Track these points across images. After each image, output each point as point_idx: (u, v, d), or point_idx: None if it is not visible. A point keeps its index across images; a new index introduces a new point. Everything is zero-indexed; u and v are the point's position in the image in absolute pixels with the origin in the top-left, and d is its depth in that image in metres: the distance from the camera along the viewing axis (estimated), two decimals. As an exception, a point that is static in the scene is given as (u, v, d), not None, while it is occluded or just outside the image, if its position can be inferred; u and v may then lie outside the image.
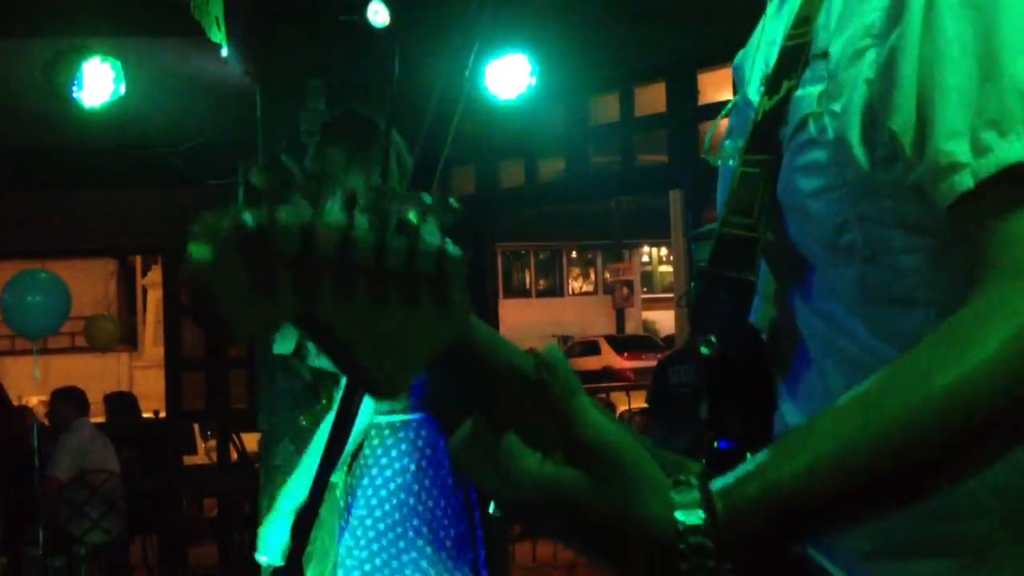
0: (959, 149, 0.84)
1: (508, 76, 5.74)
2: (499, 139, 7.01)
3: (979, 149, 0.83)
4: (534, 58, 5.75)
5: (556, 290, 29.62)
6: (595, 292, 29.47)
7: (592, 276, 30.00)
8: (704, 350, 0.98)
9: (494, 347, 0.78)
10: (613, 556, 0.78)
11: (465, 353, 0.75)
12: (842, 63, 0.94)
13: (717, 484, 0.79)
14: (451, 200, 0.71)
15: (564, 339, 25.57)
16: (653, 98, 6.82)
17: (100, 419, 8.35)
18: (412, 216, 0.70)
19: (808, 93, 0.97)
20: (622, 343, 23.97)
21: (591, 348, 23.53)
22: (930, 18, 0.88)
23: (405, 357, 0.70)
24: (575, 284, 30.09)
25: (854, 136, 0.92)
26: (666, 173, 7.38)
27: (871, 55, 0.92)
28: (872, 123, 0.91)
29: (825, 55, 0.96)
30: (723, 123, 1.21)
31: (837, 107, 0.94)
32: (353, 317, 0.67)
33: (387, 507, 2.69)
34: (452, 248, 0.73)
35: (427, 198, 0.71)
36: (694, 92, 6.64)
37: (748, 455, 0.94)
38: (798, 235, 1.01)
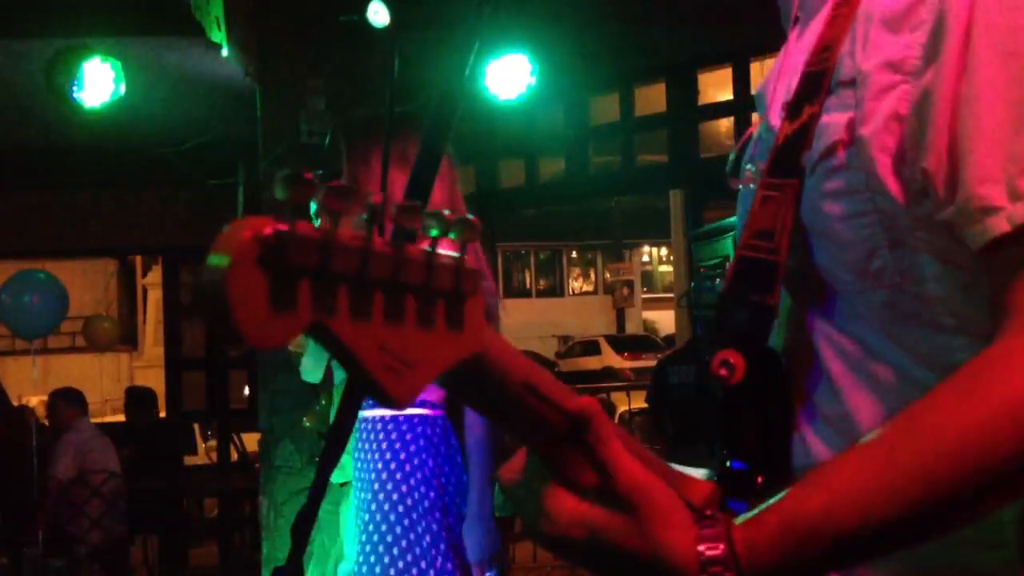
0: (994, 194, 0.85)
1: (508, 76, 5.74)
2: (499, 139, 7.01)
3: (1015, 195, 0.84)
4: (534, 58, 5.75)
5: (556, 290, 29.62)
6: (595, 292, 29.47)
7: (592, 276, 30.00)
8: (724, 372, 0.99)
9: (508, 363, 0.79)
10: None
11: (478, 369, 0.76)
12: (871, 93, 0.94)
13: (739, 520, 0.83)
14: (470, 217, 0.71)
15: (564, 339, 25.58)
16: (653, 98, 6.83)
17: (113, 417, 8.34)
18: (433, 232, 0.70)
19: (835, 120, 0.97)
20: (622, 343, 23.97)
21: (591, 348, 23.53)
22: (966, 61, 0.88)
23: (416, 371, 0.71)
24: (575, 284, 30.09)
25: (885, 171, 0.93)
26: (666, 173, 7.39)
27: (903, 90, 0.92)
28: (903, 159, 0.92)
29: (853, 82, 0.96)
30: (723, 124, 1.21)
31: (866, 136, 0.94)
32: (367, 331, 0.68)
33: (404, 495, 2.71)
34: (471, 266, 0.74)
35: (447, 216, 0.71)
36: (694, 92, 6.64)
37: (759, 477, 0.99)
38: (824, 260, 1.01)
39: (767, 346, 1.02)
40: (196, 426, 9.95)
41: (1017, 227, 0.84)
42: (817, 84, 1.00)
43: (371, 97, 4.68)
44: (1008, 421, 0.79)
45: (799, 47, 1.08)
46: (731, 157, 1.21)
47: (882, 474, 0.81)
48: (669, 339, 19.90)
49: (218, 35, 5.03)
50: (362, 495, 2.76)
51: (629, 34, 6.24)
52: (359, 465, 2.79)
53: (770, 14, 1.20)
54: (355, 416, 1.24)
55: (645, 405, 7.51)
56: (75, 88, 5.28)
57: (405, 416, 2.72)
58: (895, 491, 0.81)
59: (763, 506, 0.83)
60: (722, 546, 0.81)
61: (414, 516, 2.67)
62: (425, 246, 0.70)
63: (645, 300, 28.97)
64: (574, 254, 30.00)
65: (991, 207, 0.85)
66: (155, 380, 9.99)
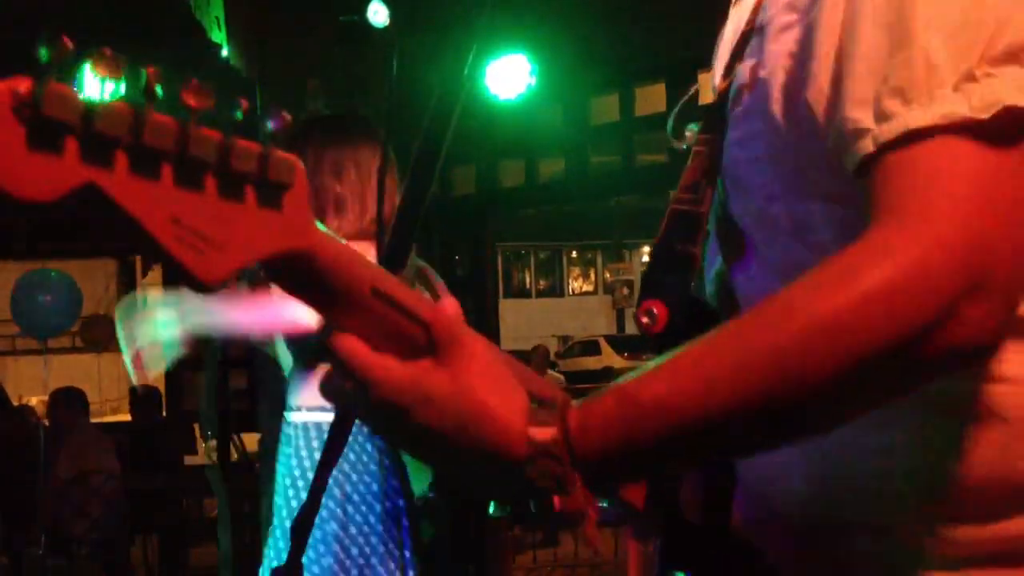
0: (863, 116, 0.85)
1: (508, 76, 5.74)
2: (499, 139, 7.01)
3: (882, 116, 0.84)
4: (534, 58, 5.75)
5: (556, 290, 29.62)
6: (595, 292, 29.47)
7: (592, 276, 30.00)
8: (645, 320, 0.99)
9: (350, 266, 0.77)
10: (469, 463, 0.81)
11: (311, 267, 0.74)
12: (771, 35, 0.96)
13: (576, 402, 0.82)
14: (278, 116, 0.71)
15: (564, 339, 25.57)
16: (653, 98, 6.82)
17: (113, 417, 8.34)
18: (229, 117, 0.70)
19: (744, 65, 0.99)
20: (622, 343, 23.96)
21: (591, 348, 23.53)
22: None
23: (224, 252, 0.69)
24: (575, 284, 30.09)
25: (777, 108, 0.94)
26: (666, 173, 7.38)
27: (796, 30, 0.93)
28: (793, 95, 0.92)
29: (760, 30, 0.98)
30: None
31: (764, 77, 0.95)
32: (153, 196, 0.66)
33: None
34: (282, 153, 0.72)
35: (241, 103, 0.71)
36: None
37: None
38: (736, 207, 1.03)
39: (689, 294, 1.02)
40: (196, 426, 9.95)
41: (882, 145, 0.83)
42: (748, 43, 1.02)
43: (371, 97, 4.68)
44: (861, 309, 0.77)
45: (740, 9, 1.09)
46: (669, 121, 1.23)
47: (728, 358, 0.79)
48: (669, 339, 19.88)
49: (218, 35, 5.04)
50: (282, 501, 2.69)
51: (629, 34, 6.24)
52: (283, 471, 2.71)
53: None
54: (352, 421, 1.24)
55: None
56: (76, 88, 5.28)
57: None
58: (741, 375, 0.78)
59: (602, 390, 0.82)
60: (554, 429, 0.79)
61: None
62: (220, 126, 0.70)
63: (645, 300, 28.97)
64: (574, 254, 29.99)
65: (860, 129, 0.85)
66: (155, 380, 9.99)
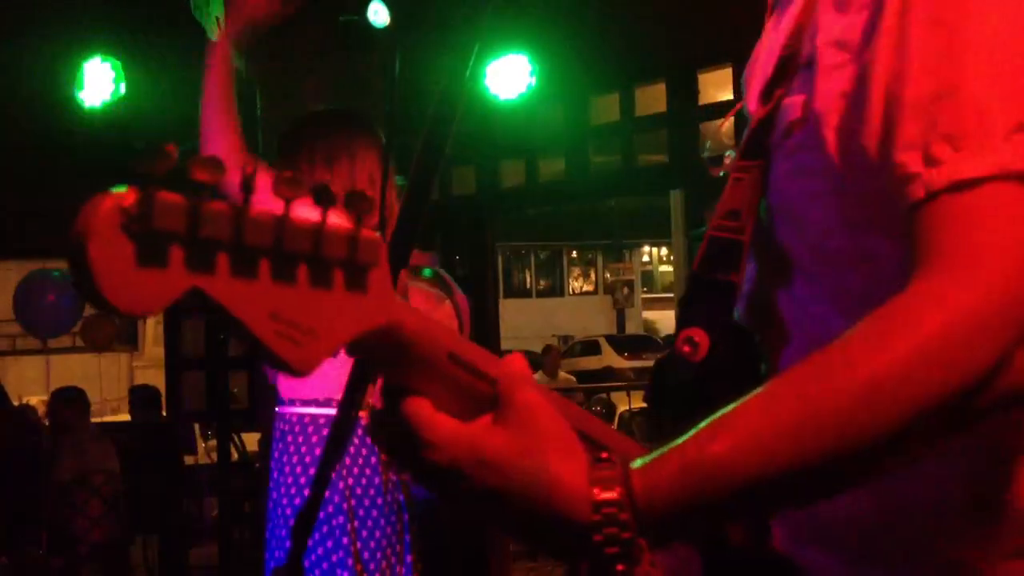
0: (912, 160, 0.86)
1: (508, 76, 5.74)
2: (499, 139, 7.01)
3: (931, 161, 0.85)
4: (534, 58, 5.75)
5: (556, 290, 29.62)
6: (595, 292, 29.46)
7: (592, 276, 30.00)
8: (687, 348, 0.99)
9: (431, 336, 0.78)
10: (529, 527, 0.80)
11: (395, 341, 0.75)
12: (821, 72, 0.96)
13: (637, 462, 0.80)
14: (363, 192, 0.71)
15: (564, 339, 25.57)
16: (653, 98, 6.82)
17: (113, 416, 8.33)
18: (320, 202, 0.69)
19: (794, 100, 1.00)
20: (622, 343, 23.97)
21: (591, 348, 23.53)
22: (898, 34, 0.90)
23: (318, 340, 0.70)
24: (575, 284, 30.09)
25: (833, 147, 0.95)
26: (666, 173, 7.38)
27: (849, 69, 0.94)
28: (848, 136, 0.93)
29: (809, 63, 0.98)
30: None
31: (817, 115, 0.96)
32: (253, 295, 0.67)
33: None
34: (369, 233, 0.72)
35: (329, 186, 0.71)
36: (694, 92, 6.63)
37: None
38: (788, 238, 1.03)
39: (731, 322, 1.02)
40: (196, 426, 9.94)
41: (931, 193, 0.85)
42: (788, 67, 1.02)
43: (372, 97, 4.68)
44: (920, 362, 0.78)
45: (777, 32, 1.09)
46: (707, 145, 1.23)
47: (789, 417, 0.79)
48: (669, 339, 19.91)
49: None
50: (279, 496, 2.68)
51: (629, 34, 6.24)
52: (277, 466, 2.70)
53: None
54: (356, 415, 1.24)
55: (644, 405, 7.60)
56: (75, 88, 5.28)
57: (326, 417, 2.62)
58: (802, 434, 0.78)
59: (663, 448, 0.81)
60: (619, 488, 0.78)
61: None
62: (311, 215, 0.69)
63: (645, 300, 28.97)
64: (574, 254, 29.99)
65: (910, 173, 0.86)
66: (155, 380, 9.98)
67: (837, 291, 0.98)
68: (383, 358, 0.77)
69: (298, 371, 0.69)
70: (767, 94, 1.04)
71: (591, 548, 0.77)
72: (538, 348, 23.41)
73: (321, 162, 2.63)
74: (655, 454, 0.81)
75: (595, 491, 0.78)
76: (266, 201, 0.67)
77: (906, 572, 0.97)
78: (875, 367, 0.78)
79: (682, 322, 1.02)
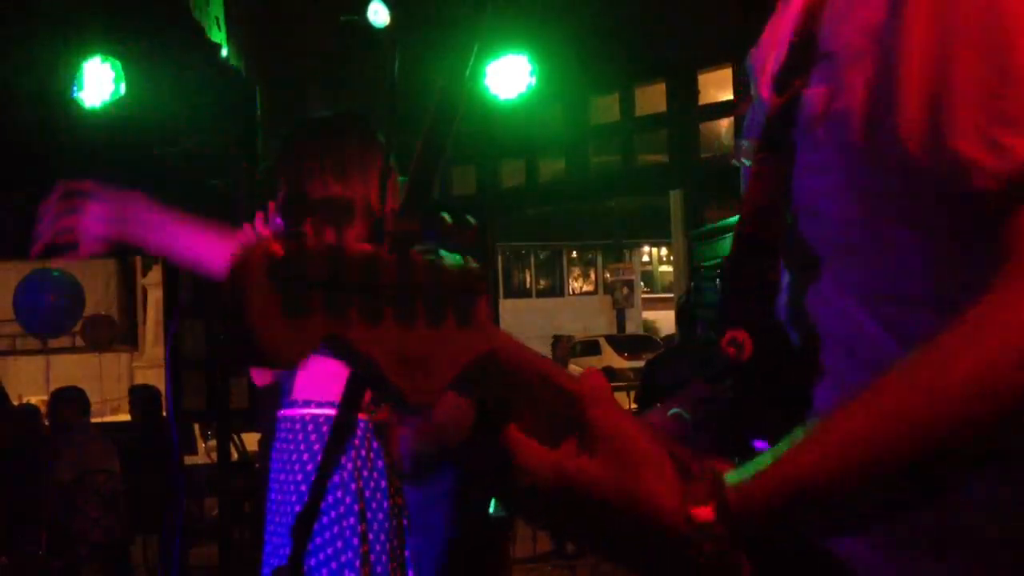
0: (973, 147, 0.84)
1: (508, 76, 5.75)
2: (499, 139, 7.01)
3: (997, 149, 0.83)
4: (534, 58, 5.75)
5: (556, 290, 29.61)
6: (595, 292, 29.46)
7: (592, 276, 29.98)
8: (732, 349, 0.98)
9: (523, 358, 0.79)
10: (627, 548, 0.79)
11: (493, 366, 0.76)
12: (844, 63, 0.93)
13: (731, 477, 0.80)
14: (469, 217, 0.72)
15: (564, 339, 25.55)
16: (653, 98, 6.82)
17: (113, 417, 8.32)
18: (434, 235, 0.71)
19: (815, 93, 0.97)
20: (622, 343, 23.96)
21: (591, 348, 23.52)
22: (933, 15, 0.87)
23: (434, 374, 0.71)
24: (575, 284, 30.08)
25: (859, 139, 0.92)
26: (666, 173, 7.38)
27: (872, 56, 0.91)
28: (876, 126, 0.91)
29: (829, 55, 0.95)
30: (723, 124, 1.21)
31: (841, 107, 0.93)
32: (382, 338, 0.69)
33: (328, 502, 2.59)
34: (475, 267, 0.74)
35: (447, 216, 0.72)
36: (694, 92, 6.64)
37: None
38: (811, 233, 1.01)
39: (773, 321, 1.01)
40: (196, 426, 9.94)
41: (1002, 181, 0.83)
42: (802, 56, 0.99)
43: (372, 97, 4.68)
44: (1009, 365, 0.77)
45: (786, 16, 1.07)
46: (735, 141, 1.20)
47: (880, 424, 0.79)
48: (669, 339, 19.91)
49: (218, 35, 5.03)
50: (280, 496, 2.67)
51: (629, 34, 6.24)
52: (277, 467, 2.69)
53: (770, 14, 1.20)
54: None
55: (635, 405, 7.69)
56: (75, 88, 5.28)
57: (325, 416, 2.62)
58: (894, 441, 0.78)
59: (756, 463, 0.80)
60: (713, 503, 0.78)
61: (323, 520, 2.58)
62: (430, 249, 0.71)
63: (645, 300, 28.96)
64: (574, 254, 29.99)
65: (975, 163, 0.84)
66: (155, 380, 10.00)
67: (862, 285, 0.97)
68: (480, 382, 0.78)
69: (418, 409, 0.71)
70: (782, 83, 1.01)
71: (689, 564, 0.77)
72: (538, 348, 23.40)
73: (332, 173, 2.59)
74: (749, 467, 0.80)
75: (690, 507, 0.77)
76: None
77: (951, 558, 0.95)
78: (965, 372, 0.78)
79: (722, 323, 1.00)
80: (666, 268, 28.70)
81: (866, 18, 0.92)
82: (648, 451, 0.79)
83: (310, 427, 2.63)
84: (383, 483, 2.60)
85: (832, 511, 0.80)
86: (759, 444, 0.98)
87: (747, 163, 1.10)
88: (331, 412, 2.57)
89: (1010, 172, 0.82)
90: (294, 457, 2.64)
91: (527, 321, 23.50)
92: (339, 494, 2.55)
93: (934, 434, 0.78)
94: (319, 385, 2.61)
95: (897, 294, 0.94)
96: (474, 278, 0.73)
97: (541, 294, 29.27)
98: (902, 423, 0.78)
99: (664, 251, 28.68)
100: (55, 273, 8.26)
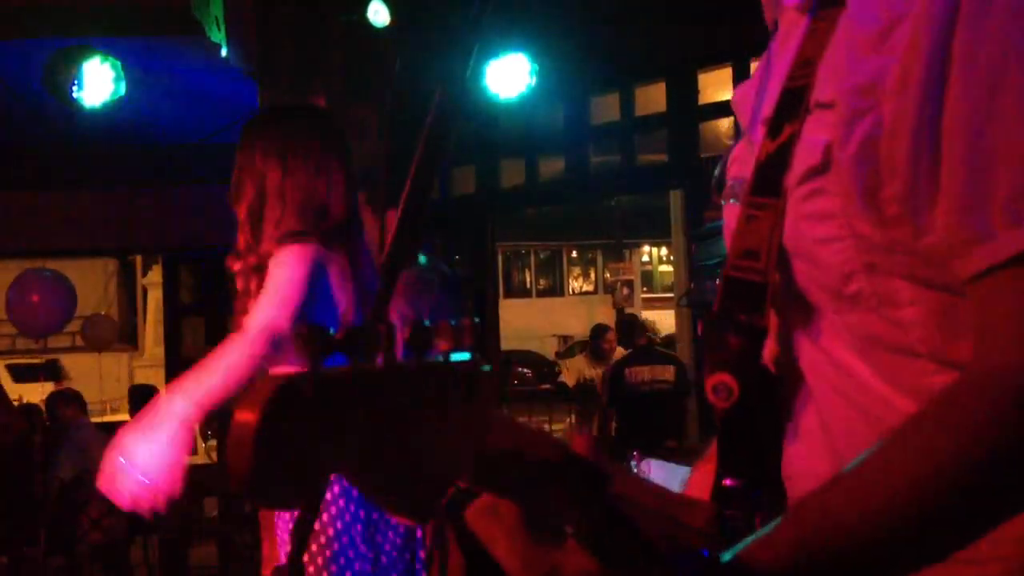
0: (976, 225, 0.85)
1: (508, 76, 5.74)
2: (499, 139, 7.01)
3: (996, 228, 0.85)
4: (534, 58, 5.75)
5: (556, 290, 29.61)
6: (595, 292, 29.45)
7: (592, 276, 29.99)
8: (716, 396, 0.98)
9: (519, 446, 0.77)
10: None
11: (490, 460, 0.75)
12: (846, 116, 0.93)
13: (726, 557, 0.82)
14: (476, 320, 0.71)
15: (564, 339, 25.56)
16: (653, 98, 6.82)
17: (113, 416, 8.31)
18: (445, 343, 0.70)
19: (815, 143, 0.96)
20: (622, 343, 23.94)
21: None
22: (943, 89, 0.87)
23: (433, 480, 0.71)
24: (575, 284, 30.09)
25: (859, 193, 0.92)
26: (666, 173, 7.38)
27: (876, 115, 0.91)
28: (878, 184, 0.91)
29: (830, 104, 0.95)
30: (723, 124, 1.21)
31: (842, 160, 0.93)
32: (384, 462, 0.68)
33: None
34: (482, 364, 0.73)
35: (453, 323, 0.72)
36: (694, 92, 6.64)
37: (754, 492, 0.99)
38: (804, 280, 1.00)
39: (760, 368, 1.01)
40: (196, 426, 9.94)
41: (996, 263, 0.84)
42: (796, 101, 0.98)
43: (372, 97, 4.68)
44: (976, 448, 0.81)
45: (780, 59, 1.06)
46: (715, 173, 1.20)
47: (859, 504, 0.82)
48: (669, 339, 19.93)
49: (218, 35, 5.03)
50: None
51: (629, 34, 6.24)
52: None
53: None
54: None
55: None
56: (75, 88, 5.28)
57: None
58: (873, 521, 0.81)
59: (773, 524, 0.83)
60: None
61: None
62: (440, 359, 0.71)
63: (645, 300, 28.95)
64: (574, 254, 29.99)
65: (974, 238, 0.85)
66: (155, 380, 10.00)
67: (859, 336, 0.97)
68: (479, 478, 0.78)
69: (422, 520, 0.71)
70: (775, 127, 1.00)
71: None
72: (538, 348, 23.45)
73: (261, 160, 2.66)
74: (765, 530, 0.83)
75: None
76: None
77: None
78: (939, 463, 0.82)
79: (706, 368, 1.00)
80: (666, 268, 28.71)
81: (869, 76, 0.92)
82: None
83: None
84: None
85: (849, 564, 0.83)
86: (728, 482, 1.01)
87: (734, 202, 1.09)
88: None
89: (1005, 255, 0.85)
90: None
91: (527, 321, 23.49)
92: (342, 503, 2.54)
93: (925, 510, 0.82)
94: None
95: (894, 344, 0.95)
96: (485, 379, 0.72)
97: (541, 294, 29.27)
98: (893, 495, 0.82)
99: (664, 251, 28.68)
100: (47, 273, 8.25)
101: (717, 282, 1.04)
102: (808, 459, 1.01)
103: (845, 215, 0.94)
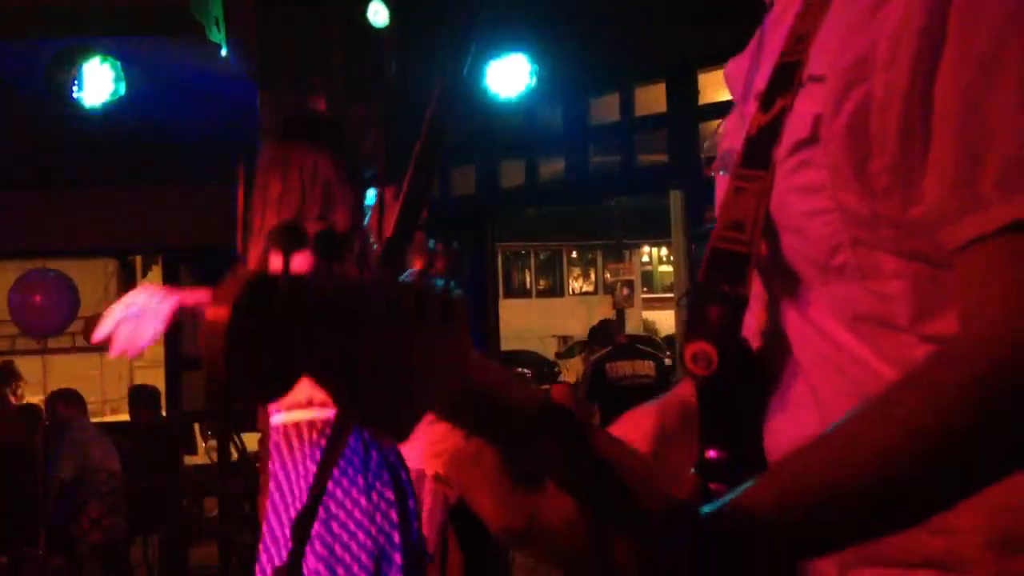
0: (963, 196, 0.86)
1: (508, 76, 5.75)
2: (499, 139, 7.01)
3: (981, 201, 0.85)
4: (534, 58, 5.75)
5: (556, 290, 29.63)
6: (595, 292, 29.47)
7: (592, 276, 30.00)
8: (695, 363, 0.99)
9: (498, 386, 0.78)
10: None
11: (469, 394, 0.76)
12: (836, 89, 0.94)
13: (705, 509, 0.82)
14: (454, 245, 0.72)
15: (564, 339, 25.57)
16: (653, 98, 6.83)
17: (113, 416, 8.32)
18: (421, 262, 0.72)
19: (804, 115, 0.97)
20: (622, 343, 23.93)
21: (591, 348, 23.48)
22: (933, 61, 0.88)
23: (413, 401, 0.71)
24: (575, 284, 30.10)
25: (847, 165, 0.93)
26: (666, 173, 7.39)
27: (866, 88, 0.92)
28: (866, 157, 0.92)
29: (821, 78, 0.96)
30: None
31: (831, 133, 0.94)
32: (360, 367, 0.68)
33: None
34: (455, 290, 0.74)
35: (431, 244, 0.73)
36: (694, 92, 6.64)
37: (737, 465, 1.00)
38: (791, 252, 1.02)
39: (739, 338, 1.02)
40: (196, 426, 9.95)
41: (988, 232, 0.85)
42: (789, 76, 1.00)
43: (372, 97, 4.68)
44: (956, 417, 0.81)
45: (775, 34, 1.07)
46: (705, 146, 1.22)
47: (837, 465, 0.82)
48: (669, 339, 19.92)
49: (218, 35, 5.03)
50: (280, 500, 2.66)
51: (629, 34, 6.24)
52: (281, 474, 2.68)
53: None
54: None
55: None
56: (75, 88, 5.28)
57: (325, 420, 2.59)
58: (850, 482, 0.82)
59: (725, 499, 0.83)
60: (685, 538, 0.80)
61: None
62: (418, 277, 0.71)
63: (645, 300, 28.97)
64: (574, 254, 30.00)
65: (964, 208, 0.86)
66: (155, 380, 10.00)
67: (844, 307, 0.98)
68: (456, 410, 0.79)
69: (400, 437, 0.71)
70: (767, 101, 1.02)
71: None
72: (538, 348, 23.44)
73: (265, 168, 2.69)
74: (745, 486, 0.83)
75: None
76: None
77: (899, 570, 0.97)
78: (912, 429, 0.82)
79: (688, 335, 1.01)
80: (666, 268, 28.72)
81: (860, 50, 0.93)
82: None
83: (291, 433, 2.62)
84: (359, 480, 2.57)
85: (792, 548, 0.84)
86: (712, 454, 1.01)
87: (723, 174, 1.10)
88: (327, 414, 2.56)
89: (993, 225, 0.85)
90: (297, 457, 2.62)
91: (527, 321, 23.50)
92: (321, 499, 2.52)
93: (890, 479, 0.82)
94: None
95: (878, 316, 0.96)
96: (457, 306, 0.73)
97: (541, 294, 29.29)
98: (860, 463, 0.82)
99: (664, 251, 28.69)
100: (51, 273, 8.25)
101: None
102: (796, 430, 1.02)
103: (833, 187, 0.95)
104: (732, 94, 1.18)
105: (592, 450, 0.78)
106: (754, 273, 1.01)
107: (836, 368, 0.99)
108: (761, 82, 1.05)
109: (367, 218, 2.72)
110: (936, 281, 0.92)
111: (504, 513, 0.78)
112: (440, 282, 0.73)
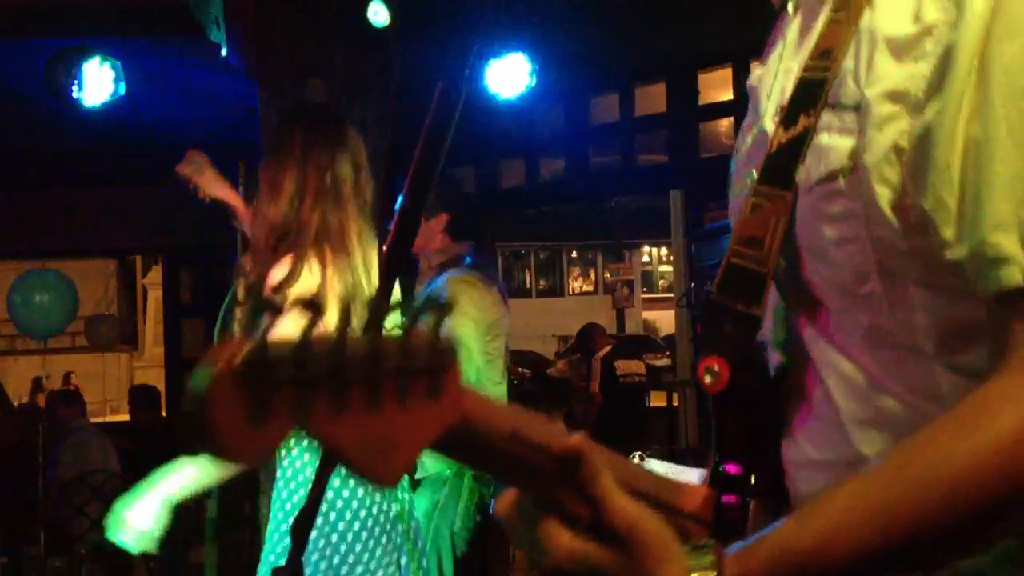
0: (1007, 243, 0.84)
1: (508, 76, 5.74)
2: (499, 139, 7.01)
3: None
4: (534, 58, 5.75)
5: (556, 290, 29.61)
6: (595, 292, 29.45)
7: (592, 276, 29.99)
8: (707, 378, 0.98)
9: (493, 421, 0.80)
10: None
11: (463, 432, 0.77)
12: (873, 122, 0.92)
13: (732, 550, 0.82)
14: (442, 300, 0.73)
15: (564, 339, 25.56)
16: (653, 98, 6.83)
17: (113, 416, 8.31)
18: (406, 318, 0.72)
19: (837, 145, 0.95)
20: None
21: (591, 348, 23.47)
22: (977, 101, 0.86)
23: (400, 451, 0.73)
24: (575, 284, 30.09)
25: (884, 200, 0.91)
26: (666, 173, 7.39)
27: (904, 123, 0.90)
28: (904, 193, 0.90)
29: (855, 107, 0.93)
30: (723, 124, 1.20)
31: (867, 166, 0.92)
32: (347, 425, 0.70)
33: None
34: (445, 339, 0.74)
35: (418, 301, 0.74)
36: (694, 92, 6.64)
37: (750, 478, 0.99)
38: (814, 276, 1.00)
39: (751, 354, 1.01)
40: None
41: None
42: (814, 93, 0.97)
43: (372, 97, 4.68)
44: (999, 462, 0.80)
45: (796, 45, 1.05)
46: (731, 169, 1.20)
47: (876, 509, 0.82)
48: (669, 339, 19.90)
49: (218, 35, 5.02)
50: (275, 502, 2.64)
51: (629, 34, 6.24)
52: (281, 484, 2.63)
53: (770, 14, 1.19)
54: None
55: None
56: (75, 88, 5.28)
57: None
58: (888, 528, 0.81)
59: (757, 536, 0.83)
60: (714, 574, 0.81)
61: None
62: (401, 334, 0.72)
63: (645, 300, 28.95)
64: (574, 254, 29.99)
65: (1005, 256, 0.84)
66: (155, 380, 10.00)
67: (868, 333, 0.97)
68: (453, 446, 0.81)
69: (386, 485, 0.73)
70: (790, 118, 0.99)
71: None
72: (538, 348, 23.39)
73: (284, 156, 2.63)
74: (747, 542, 0.83)
75: None
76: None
77: None
78: (957, 466, 0.81)
79: (700, 350, 1.01)
80: (666, 268, 28.70)
81: (901, 82, 0.90)
82: (655, 530, 0.82)
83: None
84: (360, 492, 2.53)
85: None
86: (730, 468, 1.01)
87: (742, 192, 1.08)
88: None
89: None
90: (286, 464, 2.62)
91: (527, 321, 23.49)
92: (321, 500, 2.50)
93: (927, 524, 0.82)
94: None
95: (903, 343, 0.95)
96: (443, 354, 0.73)
97: (541, 294, 29.27)
98: (897, 510, 0.82)
99: (664, 251, 28.67)
100: (50, 274, 8.25)
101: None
102: (813, 445, 1.01)
103: (866, 219, 0.93)
104: (752, 103, 1.15)
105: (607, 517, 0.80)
106: (771, 285, 1.00)
107: (858, 391, 0.99)
108: (780, 96, 1.03)
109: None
110: (965, 316, 0.91)
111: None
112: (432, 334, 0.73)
